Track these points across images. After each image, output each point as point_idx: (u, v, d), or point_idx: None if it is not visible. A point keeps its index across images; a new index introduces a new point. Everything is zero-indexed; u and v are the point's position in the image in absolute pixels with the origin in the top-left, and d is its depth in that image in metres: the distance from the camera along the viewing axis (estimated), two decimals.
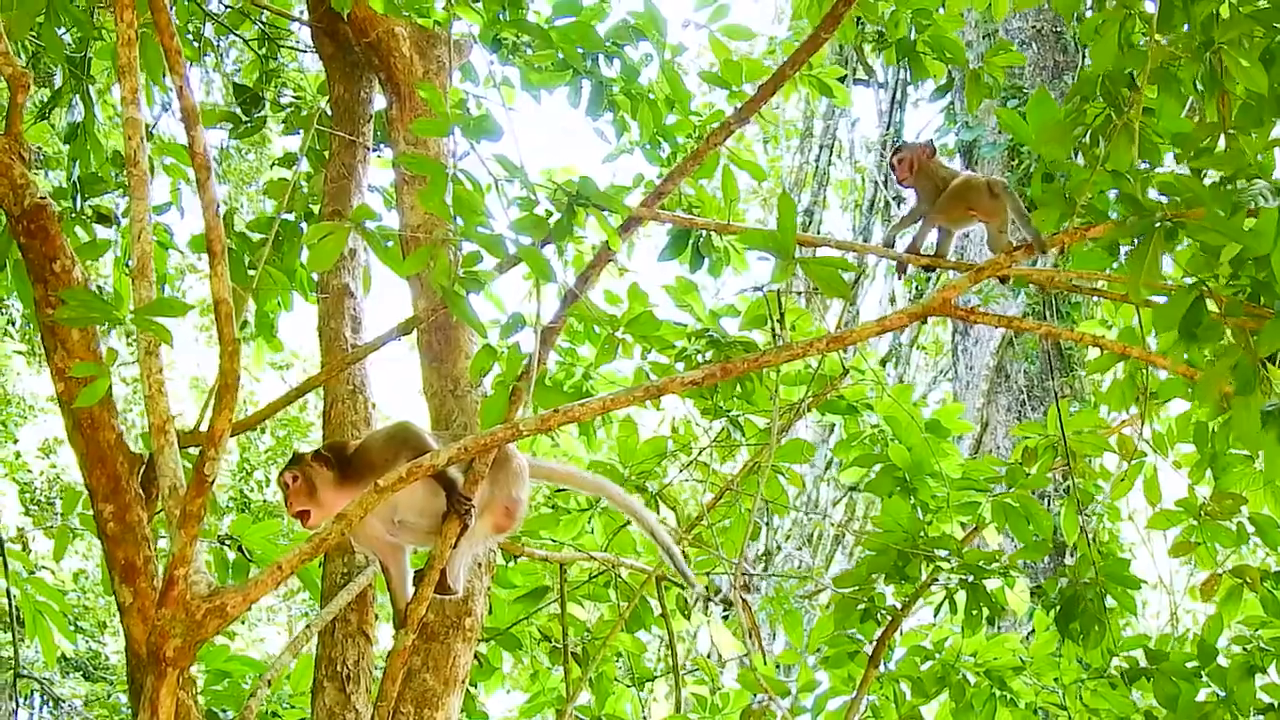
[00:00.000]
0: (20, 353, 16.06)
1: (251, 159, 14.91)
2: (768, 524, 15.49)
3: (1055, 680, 6.59)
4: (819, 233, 17.15)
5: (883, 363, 15.75)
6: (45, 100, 6.90)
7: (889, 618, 6.15)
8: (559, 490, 6.84)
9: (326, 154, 6.82)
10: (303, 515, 4.32)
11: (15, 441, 16.52)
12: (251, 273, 6.44)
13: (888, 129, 17.57)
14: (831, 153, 18.38)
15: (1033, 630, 6.97)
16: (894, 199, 17.21)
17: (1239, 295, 4.32)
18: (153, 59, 5.62)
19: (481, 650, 6.66)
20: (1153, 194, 4.32)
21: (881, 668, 6.31)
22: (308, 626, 5.44)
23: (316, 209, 6.81)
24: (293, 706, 6.75)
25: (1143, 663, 6.02)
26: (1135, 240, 4.16)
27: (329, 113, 6.77)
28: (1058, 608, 5.89)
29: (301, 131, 7.55)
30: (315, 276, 6.63)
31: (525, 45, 6.36)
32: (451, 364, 5.78)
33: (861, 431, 6.82)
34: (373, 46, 6.27)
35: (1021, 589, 6.34)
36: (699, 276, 6.25)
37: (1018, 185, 12.99)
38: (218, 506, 6.28)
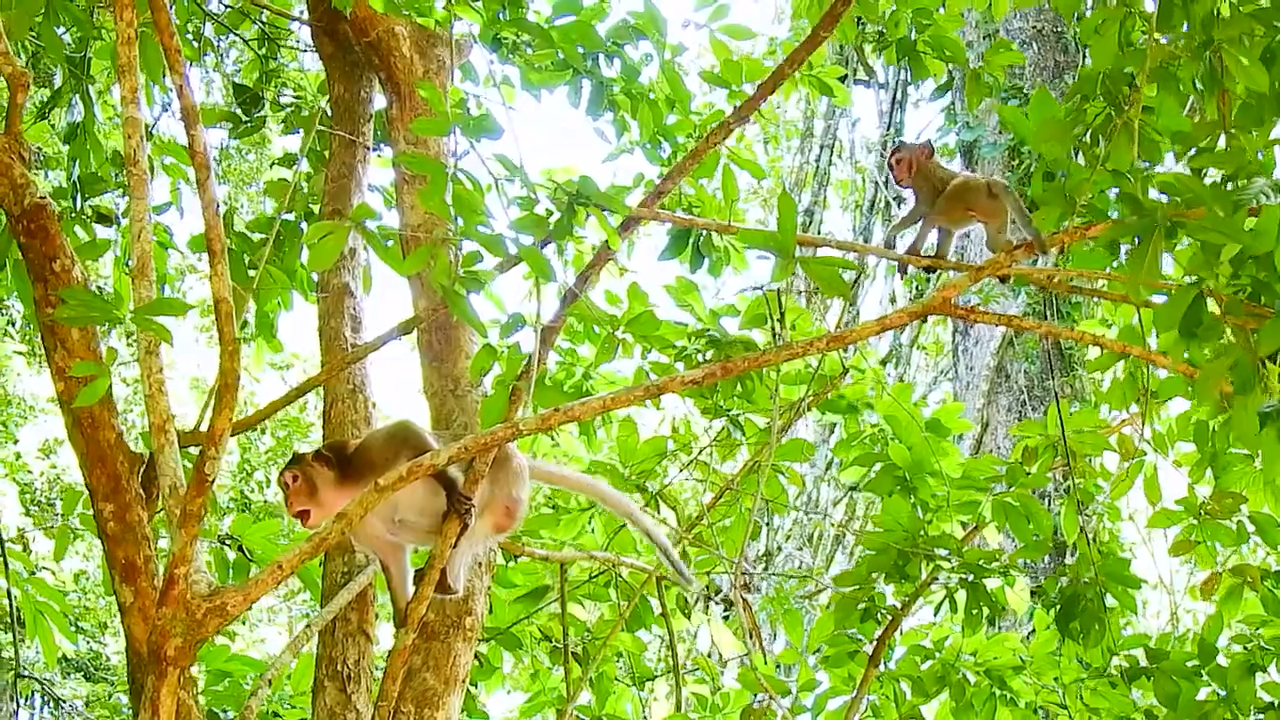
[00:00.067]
0: (20, 353, 16.07)
1: (251, 159, 14.92)
2: (768, 524, 15.49)
3: (1055, 679, 6.59)
4: (819, 233, 17.16)
5: (883, 362, 15.75)
6: (45, 100, 6.90)
7: (889, 617, 6.15)
8: (558, 490, 6.84)
9: (327, 154, 6.82)
10: (303, 515, 4.33)
11: (16, 442, 16.52)
12: (252, 272, 6.44)
13: (888, 129, 17.57)
14: (832, 153, 18.38)
15: (1033, 629, 6.98)
16: (894, 199, 17.21)
17: (1239, 294, 4.32)
18: (152, 58, 5.63)
19: (482, 650, 6.66)
20: (1153, 193, 4.32)
21: (882, 667, 6.31)
22: (308, 626, 5.44)
23: (317, 209, 6.81)
24: (293, 706, 6.74)
25: (1143, 662, 6.02)
26: (1135, 239, 4.15)
27: (329, 112, 6.77)
28: (1058, 607, 5.89)
29: (301, 131, 7.56)
30: (315, 276, 6.63)
31: (525, 45, 6.36)
32: (452, 363, 5.78)
33: (862, 431, 6.81)
34: (373, 46, 6.27)
35: (1022, 588, 6.34)
36: (699, 276, 6.25)
37: (1018, 185, 13.00)
38: (218, 506, 6.29)
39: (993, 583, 6.02)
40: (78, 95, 6.44)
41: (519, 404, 4.75)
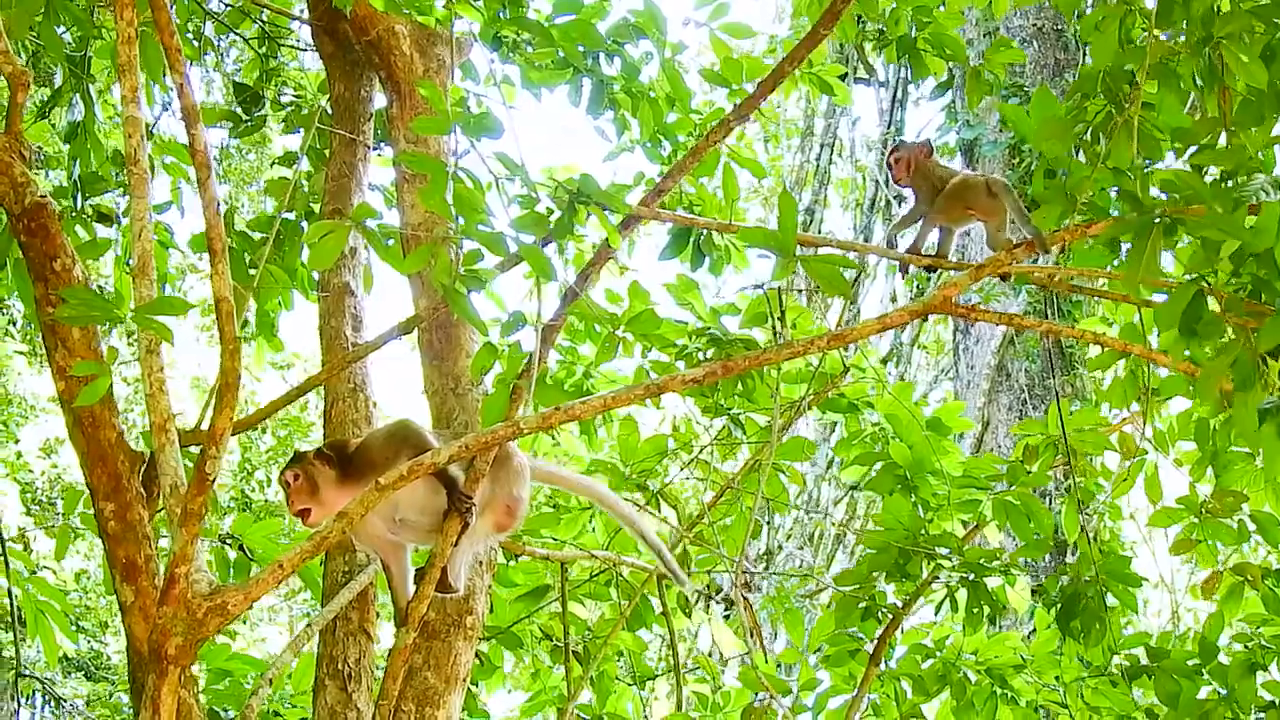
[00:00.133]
0: (21, 352, 16.07)
1: (252, 158, 14.92)
2: (769, 523, 15.48)
3: (1056, 678, 6.59)
4: (820, 231, 17.16)
5: (884, 361, 15.75)
6: (45, 99, 6.90)
7: (890, 616, 6.15)
8: (558, 489, 6.84)
9: (327, 152, 6.82)
10: (304, 513, 4.33)
11: (16, 441, 16.53)
12: (252, 271, 6.44)
13: (889, 127, 17.56)
14: (832, 151, 18.37)
15: (1034, 628, 6.97)
16: (895, 198, 17.20)
17: (1239, 292, 4.32)
18: (153, 58, 5.62)
19: (483, 649, 6.66)
20: (1153, 191, 4.32)
21: (882, 666, 6.30)
22: (309, 625, 5.45)
23: (317, 207, 6.81)
24: (294, 705, 6.74)
25: (1144, 661, 6.01)
26: (1135, 237, 4.15)
27: (329, 111, 6.77)
28: (1059, 606, 5.89)
29: (302, 130, 7.56)
30: (316, 275, 6.64)
31: (526, 43, 6.35)
32: (453, 362, 5.78)
33: (862, 430, 6.81)
34: (373, 45, 6.27)
35: (1022, 587, 6.34)
36: (700, 275, 6.25)
37: (1019, 183, 13.00)
38: (219, 505, 6.29)
39: (993, 581, 6.01)
40: (78, 94, 6.45)
41: (519, 402, 4.75)
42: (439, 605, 5.27)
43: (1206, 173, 4.47)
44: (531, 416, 4.36)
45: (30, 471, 16.68)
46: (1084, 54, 14.46)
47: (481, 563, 5.41)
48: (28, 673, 10.78)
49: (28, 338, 15.52)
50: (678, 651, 7.20)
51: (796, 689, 6.70)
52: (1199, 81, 4.56)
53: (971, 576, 5.95)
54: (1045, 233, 4.73)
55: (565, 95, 6.50)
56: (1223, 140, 4.53)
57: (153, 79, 5.90)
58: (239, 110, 7.53)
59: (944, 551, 5.94)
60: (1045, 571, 12.05)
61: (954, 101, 15.21)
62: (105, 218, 6.34)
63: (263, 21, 7.76)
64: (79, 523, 6.43)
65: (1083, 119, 4.70)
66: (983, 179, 5.05)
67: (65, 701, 13.61)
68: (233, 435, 4.40)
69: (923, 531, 6.01)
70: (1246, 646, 5.92)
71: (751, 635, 7.42)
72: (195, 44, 7.55)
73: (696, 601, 7.64)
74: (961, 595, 5.99)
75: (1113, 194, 4.64)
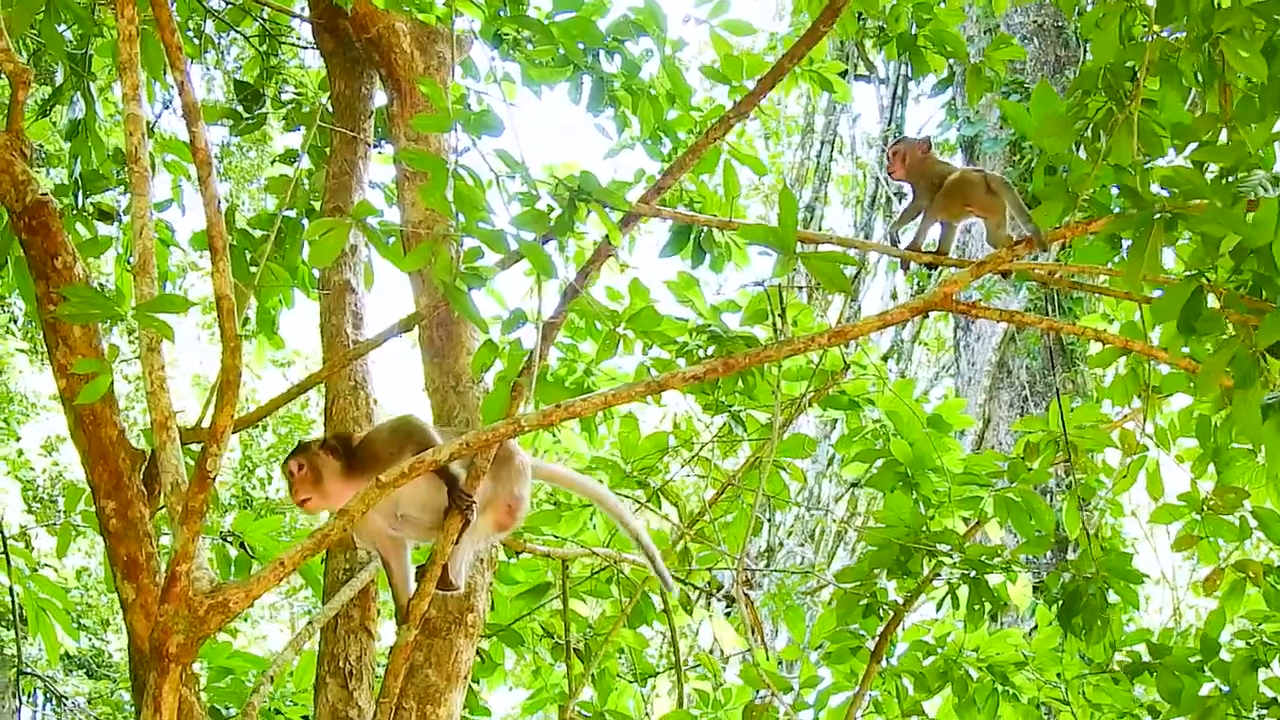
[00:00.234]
0: (22, 350, 16.08)
1: (253, 156, 14.92)
2: (770, 520, 15.49)
3: (1058, 675, 6.59)
4: (820, 228, 17.16)
5: (884, 358, 15.75)
6: (46, 97, 6.91)
7: (891, 613, 6.15)
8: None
9: (327, 150, 6.82)
10: (306, 502, 4.32)
11: (18, 439, 16.54)
12: (253, 269, 6.45)
13: (889, 124, 17.57)
14: (833, 148, 18.38)
15: (1035, 625, 6.97)
16: (895, 194, 17.19)
17: (1239, 289, 4.31)
18: (154, 56, 5.63)
19: (484, 646, 6.66)
20: (1154, 187, 4.31)
21: (884, 663, 6.30)
22: (310, 623, 5.45)
23: (318, 205, 6.81)
24: (295, 703, 6.75)
25: (1145, 657, 6.01)
26: (1136, 233, 4.15)
27: (330, 109, 6.77)
28: (1060, 603, 5.89)
29: (303, 128, 7.57)
30: (317, 273, 6.64)
31: (526, 41, 6.35)
32: (453, 360, 5.78)
33: (863, 427, 6.82)
34: (373, 42, 6.27)
35: (1024, 584, 6.35)
36: (700, 272, 6.26)
37: (1019, 180, 13.01)
38: (220, 503, 6.30)
39: (995, 578, 6.02)
40: (79, 92, 6.45)
41: (520, 400, 4.75)
42: (440, 603, 5.28)
43: (1207, 169, 4.46)
44: (532, 414, 4.36)
45: (31, 469, 16.70)
46: (1084, 51, 14.47)
47: (482, 560, 5.41)
48: (29, 670, 10.78)
49: (29, 335, 15.53)
50: (679, 649, 7.21)
51: (798, 686, 6.69)
52: (1199, 78, 4.56)
53: (973, 573, 5.95)
54: (1046, 230, 4.73)
55: (566, 93, 6.50)
56: (1223, 137, 4.52)
57: (154, 77, 5.90)
58: (240, 108, 7.53)
59: (945, 548, 5.94)
60: (1046, 568, 12.03)
61: (954, 98, 15.20)
62: (106, 215, 6.34)
63: (263, 19, 7.77)
64: (80, 520, 6.43)
65: (1083, 115, 4.69)
66: (981, 175, 5.04)
67: (67, 699, 13.61)
68: (234, 433, 4.40)
69: (924, 528, 6.01)
70: (1248, 643, 5.92)
71: (753, 632, 7.41)
72: (196, 42, 7.55)
73: (698, 599, 7.64)
74: (963, 592, 5.99)
75: (1113, 190, 4.63)
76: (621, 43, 6.46)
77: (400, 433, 4.37)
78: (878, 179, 17.69)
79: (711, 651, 10.80)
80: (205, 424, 5.07)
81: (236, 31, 8.00)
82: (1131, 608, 6.08)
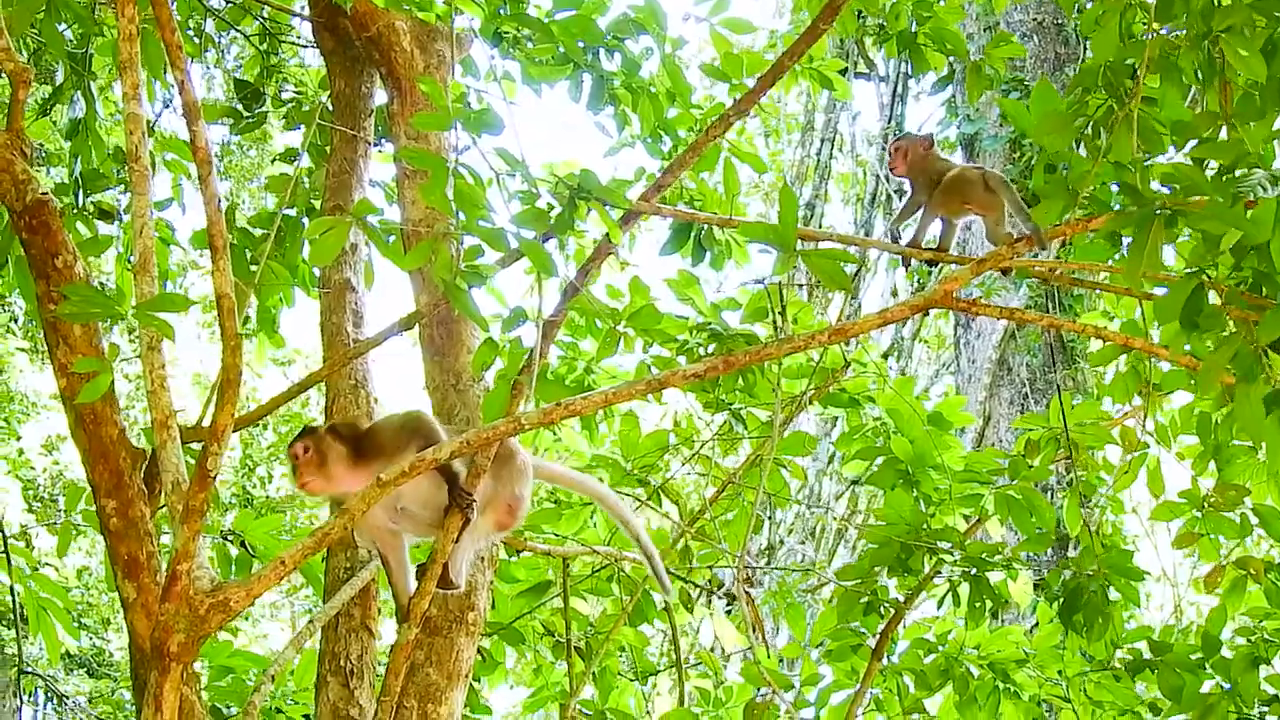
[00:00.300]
0: (23, 349, 16.08)
1: (253, 154, 14.93)
2: (770, 518, 15.49)
3: (1059, 673, 6.59)
4: (821, 226, 17.16)
5: (885, 356, 15.75)
6: (47, 96, 6.91)
7: (892, 611, 6.15)
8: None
9: (328, 149, 6.82)
10: (308, 484, 4.31)
11: (18, 438, 16.54)
12: (253, 268, 6.44)
13: (889, 122, 17.57)
14: (833, 146, 18.38)
15: (1036, 623, 6.97)
16: (895, 192, 17.20)
17: (1240, 286, 4.31)
18: (154, 55, 5.63)
19: (484, 645, 6.67)
20: (1154, 185, 4.31)
21: (885, 661, 6.31)
22: (311, 622, 5.45)
23: (318, 204, 6.81)
24: (296, 702, 6.75)
25: (1146, 655, 6.02)
26: (1136, 230, 4.15)
27: (330, 108, 6.77)
28: (1061, 600, 5.89)
29: (303, 127, 7.57)
30: (317, 271, 6.64)
31: (526, 39, 6.35)
32: (454, 358, 5.78)
33: (864, 424, 6.81)
34: (373, 41, 6.27)
35: (1024, 581, 6.34)
36: (701, 270, 6.25)
37: (1020, 177, 13.00)
38: (220, 502, 6.30)
39: (995, 576, 6.01)
40: (79, 91, 6.45)
41: (520, 398, 4.75)
42: (441, 601, 5.28)
43: (1207, 166, 4.46)
44: (533, 412, 4.36)
45: (32, 468, 16.69)
46: (1084, 48, 14.47)
47: (483, 558, 5.41)
48: (30, 670, 10.78)
49: (29, 335, 15.53)
50: (680, 647, 7.21)
51: (799, 684, 6.70)
52: (1199, 75, 4.56)
53: (973, 571, 5.95)
54: (1046, 227, 4.72)
55: (566, 91, 6.50)
56: (1223, 134, 4.52)
57: (154, 76, 5.90)
58: (240, 107, 7.53)
59: (946, 546, 5.94)
60: (1047, 566, 12.04)
61: (954, 96, 15.20)
62: (106, 214, 6.34)
63: (263, 18, 7.76)
64: (81, 519, 6.43)
65: (1083, 113, 4.69)
66: (980, 173, 5.03)
67: (67, 699, 13.60)
68: (234, 431, 4.40)
69: (924, 526, 6.01)
70: (1249, 640, 5.92)
71: (754, 630, 7.41)
72: (196, 41, 7.55)
73: (699, 597, 7.64)
74: (963, 590, 5.99)
75: (1113, 188, 4.63)
76: (621, 41, 6.46)
77: (408, 428, 4.36)
78: (878, 176, 17.69)
79: (712, 649, 10.79)
80: (206, 423, 5.07)
81: (236, 30, 8.00)
82: (1132, 605, 6.07)
